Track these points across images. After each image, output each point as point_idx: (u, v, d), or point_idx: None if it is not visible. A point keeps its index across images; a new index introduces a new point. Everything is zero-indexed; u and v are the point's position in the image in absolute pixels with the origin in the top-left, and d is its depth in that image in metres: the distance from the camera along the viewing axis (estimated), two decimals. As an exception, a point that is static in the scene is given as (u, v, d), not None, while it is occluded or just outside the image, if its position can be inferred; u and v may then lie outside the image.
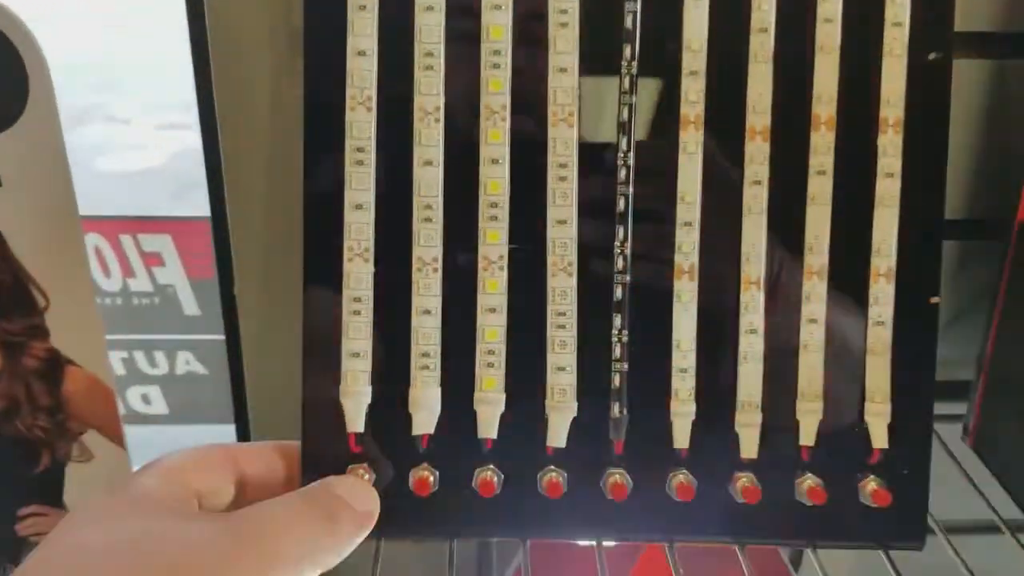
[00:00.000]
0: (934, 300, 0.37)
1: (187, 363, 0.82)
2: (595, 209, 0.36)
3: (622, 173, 0.36)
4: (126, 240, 0.76)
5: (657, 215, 0.37)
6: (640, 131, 0.36)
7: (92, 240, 0.76)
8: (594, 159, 0.36)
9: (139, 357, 0.81)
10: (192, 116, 0.47)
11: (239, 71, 0.44)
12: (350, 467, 0.36)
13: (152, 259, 0.77)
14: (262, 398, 0.52)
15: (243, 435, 0.55)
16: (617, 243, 0.37)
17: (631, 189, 0.36)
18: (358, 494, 0.34)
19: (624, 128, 0.36)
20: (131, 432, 0.51)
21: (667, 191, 0.36)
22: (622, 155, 0.36)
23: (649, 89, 0.36)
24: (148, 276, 0.78)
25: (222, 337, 0.53)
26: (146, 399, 0.83)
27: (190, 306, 0.79)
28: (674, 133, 0.36)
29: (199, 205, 0.49)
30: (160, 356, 0.81)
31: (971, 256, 0.46)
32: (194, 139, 0.47)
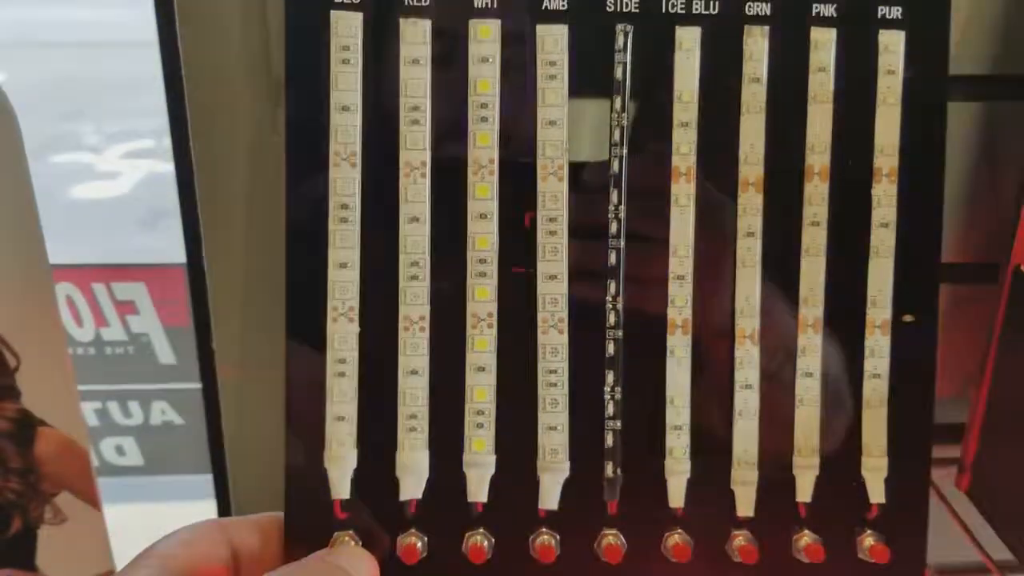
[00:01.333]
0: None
1: (163, 413, 0.80)
2: (586, 262, 0.36)
3: (613, 227, 0.36)
4: (99, 288, 0.75)
5: (649, 266, 0.36)
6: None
7: (64, 289, 0.74)
8: (584, 211, 0.35)
9: (113, 408, 0.80)
10: (162, 144, 0.45)
11: (217, 120, 0.43)
12: (336, 534, 0.35)
13: (126, 307, 0.76)
14: (241, 449, 0.51)
15: (220, 486, 0.54)
16: (609, 298, 0.36)
17: (622, 243, 0.36)
18: (359, 564, 0.33)
19: (616, 181, 0.35)
20: (106, 485, 0.49)
21: (660, 244, 0.36)
22: (613, 208, 0.35)
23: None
24: (122, 325, 0.76)
25: (198, 386, 0.52)
26: (120, 450, 0.81)
27: (165, 355, 0.78)
28: (666, 184, 0.35)
29: (170, 233, 0.48)
30: (135, 406, 0.80)
31: (967, 297, 0.45)
32: (163, 167, 0.46)
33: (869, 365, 0.36)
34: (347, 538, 0.35)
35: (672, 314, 0.36)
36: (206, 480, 0.56)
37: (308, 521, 0.35)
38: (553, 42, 0.35)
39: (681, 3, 0.35)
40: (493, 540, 0.36)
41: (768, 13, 0.35)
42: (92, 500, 0.46)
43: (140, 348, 0.77)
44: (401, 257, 0.35)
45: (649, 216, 0.36)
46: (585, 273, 0.36)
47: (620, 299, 0.36)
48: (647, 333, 0.36)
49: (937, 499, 0.46)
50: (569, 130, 0.35)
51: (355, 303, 0.35)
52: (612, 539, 0.36)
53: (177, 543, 0.33)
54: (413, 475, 0.35)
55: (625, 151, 0.35)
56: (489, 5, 0.35)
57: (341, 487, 0.35)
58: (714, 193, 0.36)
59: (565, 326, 0.36)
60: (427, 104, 0.35)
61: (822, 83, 0.35)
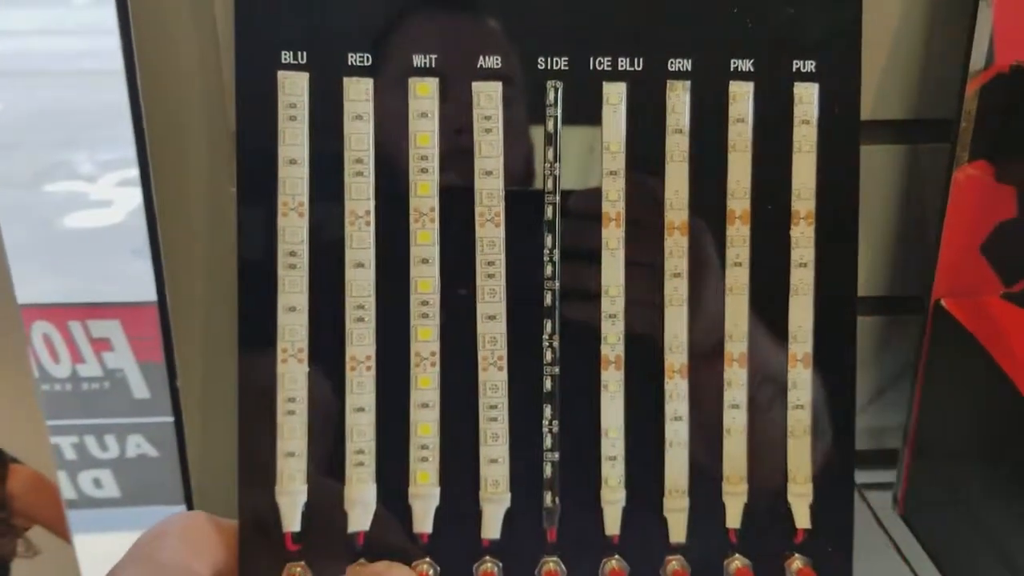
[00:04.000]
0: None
1: (138, 446, 0.82)
2: (523, 302, 0.38)
3: (548, 269, 0.38)
4: (75, 327, 0.77)
5: (584, 306, 0.38)
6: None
7: (41, 328, 0.76)
8: (521, 254, 0.38)
9: (90, 442, 0.81)
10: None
11: (178, 167, 0.45)
12: (288, 565, 0.37)
13: (101, 344, 0.78)
14: (207, 482, 0.53)
15: (192, 518, 0.55)
16: (545, 336, 0.38)
17: (557, 284, 0.38)
18: None
19: (550, 226, 0.38)
20: (83, 516, 0.51)
21: (595, 282, 0.38)
22: (548, 251, 0.38)
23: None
24: (98, 361, 0.78)
25: (172, 419, 0.54)
26: (98, 483, 0.82)
27: (139, 389, 0.79)
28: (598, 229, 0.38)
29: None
30: (111, 440, 0.81)
31: (896, 329, 0.48)
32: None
33: (792, 396, 0.39)
34: (298, 569, 0.37)
35: (605, 351, 0.38)
36: (181, 511, 0.57)
37: (260, 553, 0.37)
38: (488, 98, 0.37)
39: (607, 61, 0.37)
40: (439, 569, 0.38)
41: (689, 69, 0.37)
42: (63, 533, 0.48)
43: (115, 383, 0.79)
44: (347, 300, 0.37)
45: (585, 259, 0.38)
46: (522, 312, 0.38)
47: (556, 337, 0.38)
48: (583, 369, 0.38)
49: (874, 523, 0.48)
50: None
51: (304, 344, 0.37)
52: (552, 566, 0.38)
53: (198, 527, 0.36)
54: (361, 508, 0.37)
55: (558, 199, 0.38)
56: (428, 64, 0.37)
57: (292, 520, 0.37)
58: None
59: (505, 363, 0.38)
60: (370, 156, 0.37)
61: (740, 133, 0.38)
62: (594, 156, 0.37)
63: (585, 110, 0.37)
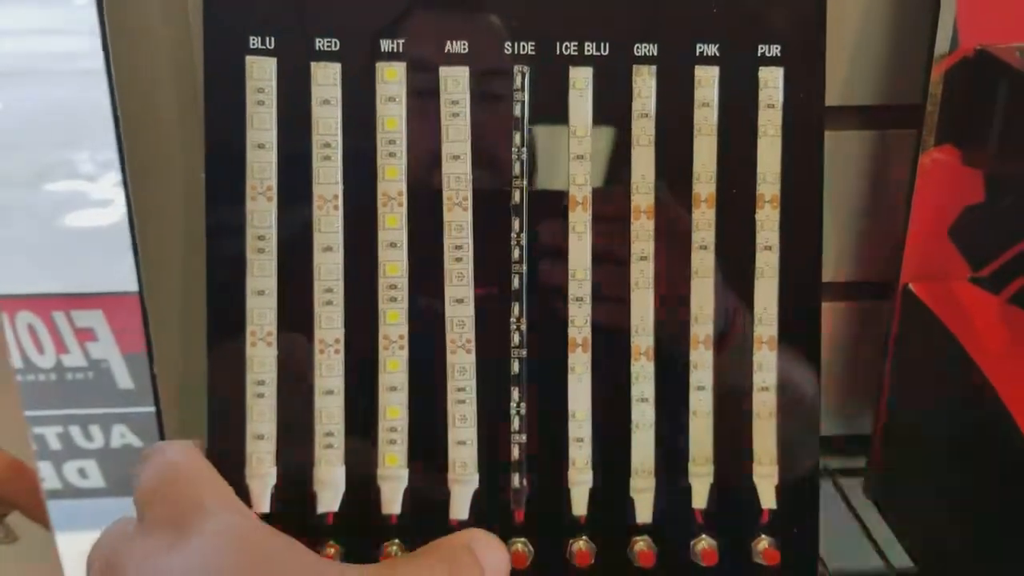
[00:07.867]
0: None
1: (122, 436, 0.82)
2: (490, 286, 0.38)
3: (516, 252, 0.38)
4: (59, 317, 0.77)
5: (553, 288, 0.38)
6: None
7: (25, 318, 0.76)
8: (490, 237, 0.38)
9: (75, 432, 0.82)
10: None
11: (152, 147, 0.45)
12: (258, 546, 0.37)
13: (85, 335, 0.78)
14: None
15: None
16: (513, 319, 0.38)
17: (524, 267, 0.38)
18: (491, 553, 0.35)
19: (518, 210, 0.38)
20: (68, 506, 0.51)
21: (562, 267, 0.38)
22: (515, 235, 0.38)
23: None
24: (82, 352, 0.78)
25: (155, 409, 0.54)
26: (83, 473, 0.83)
27: (123, 380, 0.80)
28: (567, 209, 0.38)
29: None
30: (96, 430, 0.82)
31: (865, 314, 0.48)
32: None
33: (757, 379, 0.39)
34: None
35: (572, 333, 0.38)
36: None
37: (231, 533, 0.37)
38: (455, 83, 0.37)
39: (574, 46, 0.37)
40: (407, 550, 0.38)
41: (655, 53, 0.38)
42: (42, 520, 0.48)
43: (100, 374, 0.79)
44: (316, 284, 0.38)
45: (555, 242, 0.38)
46: (489, 296, 0.38)
47: (524, 320, 0.38)
48: (552, 351, 0.38)
49: (845, 508, 0.48)
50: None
51: (273, 328, 0.37)
52: (520, 547, 0.38)
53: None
54: (330, 489, 0.38)
55: (526, 182, 0.38)
56: (394, 49, 0.37)
57: (261, 502, 0.37)
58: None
59: (472, 346, 0.38)
60: (338, 141, 0.37)
61: (706, 117, 0.38)
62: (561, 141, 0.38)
63: (552, 95, 0.38)
